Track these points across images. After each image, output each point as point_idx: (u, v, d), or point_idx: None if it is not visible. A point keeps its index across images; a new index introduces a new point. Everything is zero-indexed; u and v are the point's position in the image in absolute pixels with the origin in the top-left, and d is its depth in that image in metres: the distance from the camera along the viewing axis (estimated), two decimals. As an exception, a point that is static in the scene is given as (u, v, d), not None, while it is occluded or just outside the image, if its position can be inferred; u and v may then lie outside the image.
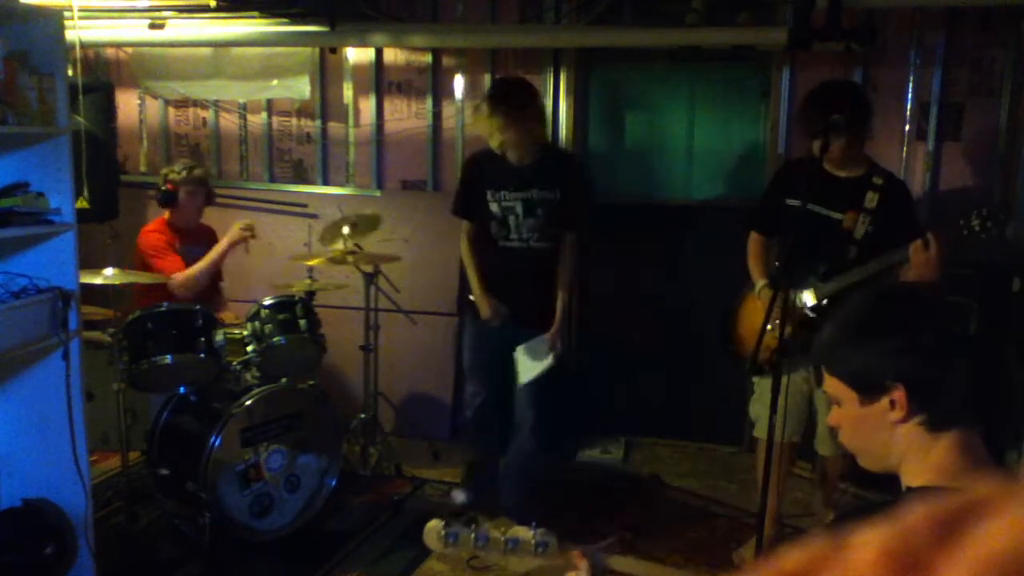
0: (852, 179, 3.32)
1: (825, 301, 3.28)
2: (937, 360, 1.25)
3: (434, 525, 1.57)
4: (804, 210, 3.15)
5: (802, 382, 3.34)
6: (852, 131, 3.20)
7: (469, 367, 3.97)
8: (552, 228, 3.63)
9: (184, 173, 4.09)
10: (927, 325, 1.28)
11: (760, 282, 3.44)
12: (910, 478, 1.27)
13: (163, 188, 4.07)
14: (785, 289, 2.98)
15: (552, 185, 3.59)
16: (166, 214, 4.15)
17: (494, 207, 3.61)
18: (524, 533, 1.52)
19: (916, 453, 1.26)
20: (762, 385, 3.48)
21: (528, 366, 3.69)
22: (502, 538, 1.53)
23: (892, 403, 1.26)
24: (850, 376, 1.31)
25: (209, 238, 4.32)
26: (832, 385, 1.33)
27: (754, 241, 3.57)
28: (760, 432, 3.39)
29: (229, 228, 4.22)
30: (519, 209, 3.59)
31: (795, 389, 3.23)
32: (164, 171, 4.17)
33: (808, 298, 3.30)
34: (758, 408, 3.50)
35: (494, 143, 3.58)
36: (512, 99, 3.52)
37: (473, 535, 1.54)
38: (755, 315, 3.35)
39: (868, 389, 1.28)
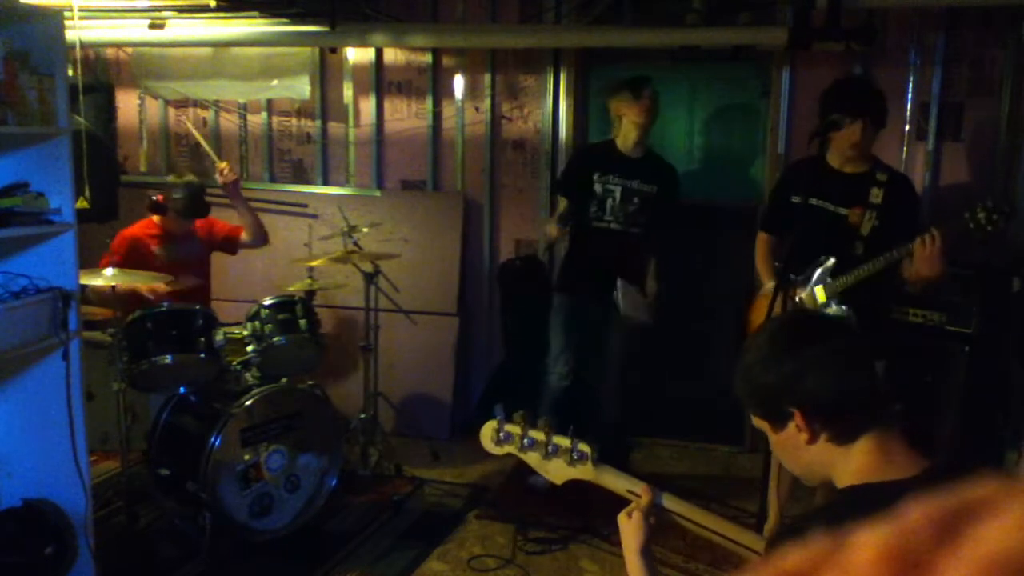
0: (857, 175, 3.31)
1: (835, 298, 3.28)
2: (822, 381, 1.31)
3: (491, 424, 1.65)
4: (807, 205, 3.17)
5: None
6: (876, 121, 3.23)
7: (561, 350, 4.11)
8: (643, 219, 3.94)
9: (178, 195, 3.98)
10: (811, 347, 1.34)
11: (769, 283, 3.43)
12: (840, 484, 1.34)
13: (153, 199, 4.02)
14: (791, 285, 2.98)
15: (652, 180, 3.96)
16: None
17: (598, 188, 3.95)
18: (564, 441, 1.59)
19: (838, 464, 1.33)
20: None
21: (629, 301, 3.92)
22: (544, 442, 1.59)
23: (798, 427, 1.32)
24: (757, 409, 1.39)
25: (206, 230, 4.26)
26: (754, 420, 1.41)
27: (762, 241, 3.59)
28: None
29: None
30: (618, 194, 3.94)
31: None
32: (170, 178, 4.08)
33: (818, 295, 3.30)
34: None
35: (625, 124, 3.94)
36: (655, 92, 3.93)
37: (522, 436, 1.62)
38: (763, 315, 3.35)
39: (774, 418, 1.36)
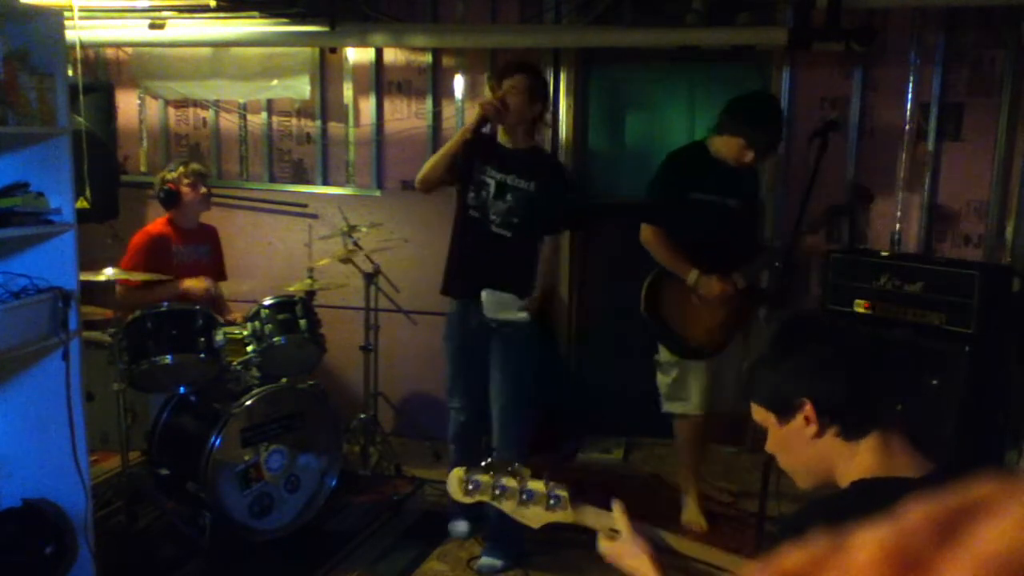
0: (734, 167, 3.69)
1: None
2: (836, 374, 1.34)
3: (457, 474, 1.59)
4: (723, 204, 3.69)
5: (736, 361, 3.70)
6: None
7: (452, 380, 3.76)
8: (517, 220, 3.49)
9: (181, 168, 4.09)
10: (826, 343, 1.38)
11: (693, 272, 3.67)
12: (843, 482, 1.34)
13: (164, 188, 4.05)
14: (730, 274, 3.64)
15: (531, 176, 3.49)
16: (169, 213, 4.14)
17: (476, 174, 3.52)
18: (538, 486, 1.54)
19: (843, 461, 1.34)
20: (695, 367, 3.83)
21: (496, 305, 3.48)
22: (518, 489, 1.55)
23: (806, 419, 1.34)
24: (766, 399, 1.41)
25: (212, 238, 4.30)
26: (756, 412, 1.43)
27: (662, 235, 3.72)
28: (695, 408, 3.85)
29: (229, 229, 4.20)
30: (492, 187, 3.50)
31: (730, 367, 3.76)
32: (160, 175, 4.14)
33: (739, 281, 3.70)
34: (692, 388, 3.84)
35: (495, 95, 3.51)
36: (534, 70, 3.60)
37: (493, 484, 1.55)
38: (682, 301, 3.75)
39: (782, 409, 1.38)
